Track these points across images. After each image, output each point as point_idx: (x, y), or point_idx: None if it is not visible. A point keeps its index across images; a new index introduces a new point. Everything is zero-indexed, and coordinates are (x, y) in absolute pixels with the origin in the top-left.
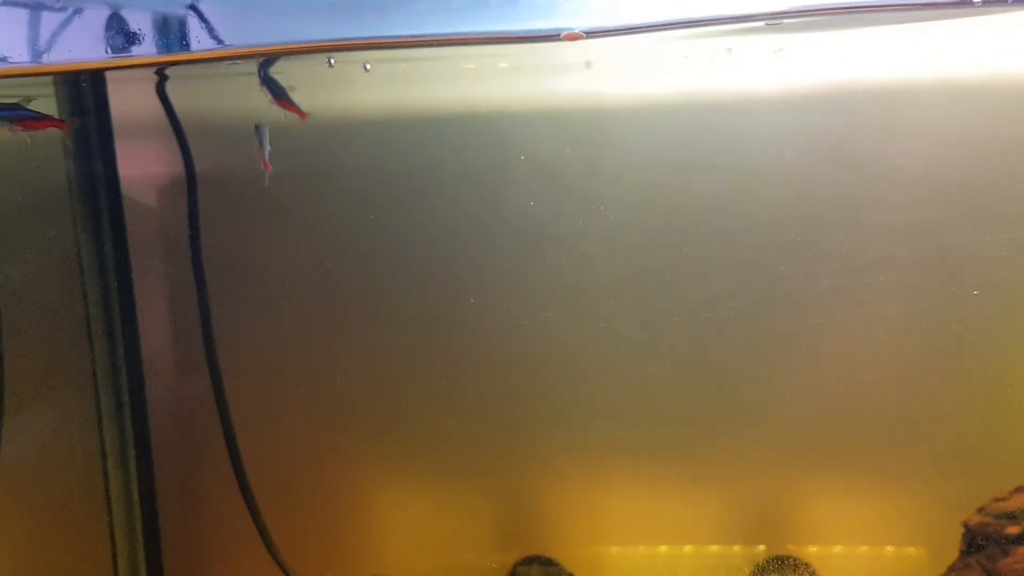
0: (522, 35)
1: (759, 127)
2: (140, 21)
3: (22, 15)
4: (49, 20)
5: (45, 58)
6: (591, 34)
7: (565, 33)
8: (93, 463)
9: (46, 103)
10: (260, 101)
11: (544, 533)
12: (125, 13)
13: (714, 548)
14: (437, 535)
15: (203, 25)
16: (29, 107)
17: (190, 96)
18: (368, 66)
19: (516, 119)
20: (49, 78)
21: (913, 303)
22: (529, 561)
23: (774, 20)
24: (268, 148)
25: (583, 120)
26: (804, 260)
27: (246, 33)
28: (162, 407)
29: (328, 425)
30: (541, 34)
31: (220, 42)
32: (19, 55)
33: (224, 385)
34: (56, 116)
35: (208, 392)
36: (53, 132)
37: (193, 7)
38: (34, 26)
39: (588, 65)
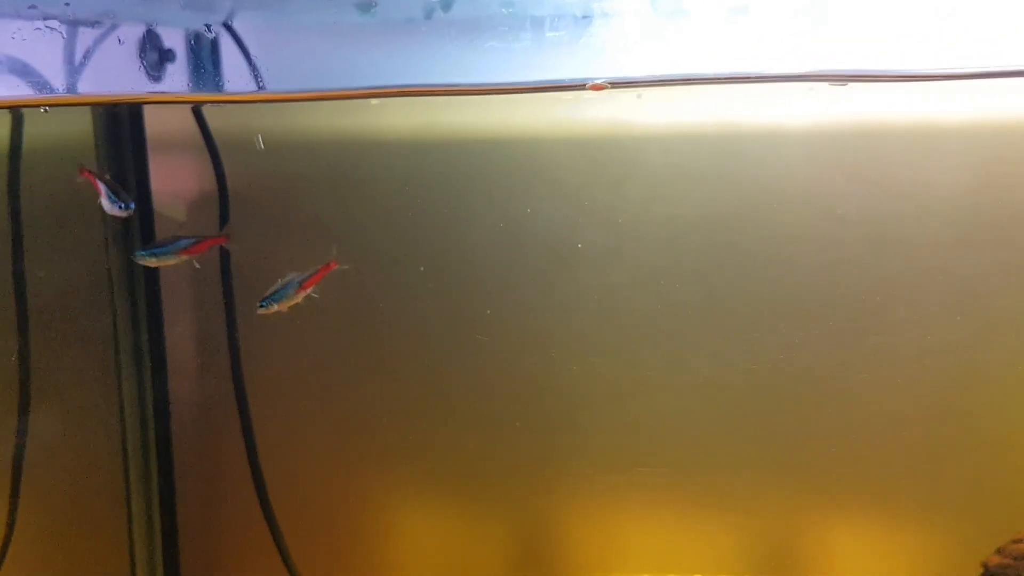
0: (547, 85)
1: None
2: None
3: (66, 42)
4: (92, 47)
5: (86, 88)
6: (616, 84)
7: (591, 84)
8: (114, 467)
9: (81, 116)
10: (292, 117)
11: (556, 558)
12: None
13: None
14: (452, 556)
15: (252, 73)
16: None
17: (224, 110)
18: None
19: (548, 144)
20: None
21: (936, 340)
22: None
23: (803, 80)
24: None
25: (614, 147)
26: (830, 295)
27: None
28: (185, 416)
29: (349, 442)
30: (566, 84)
31: (261, 86)
32: (61, 83)
33: (248, 398)
34: (215, 235)
35: (232, 405)
36: (81, 133)
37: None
38: (77, 54)
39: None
